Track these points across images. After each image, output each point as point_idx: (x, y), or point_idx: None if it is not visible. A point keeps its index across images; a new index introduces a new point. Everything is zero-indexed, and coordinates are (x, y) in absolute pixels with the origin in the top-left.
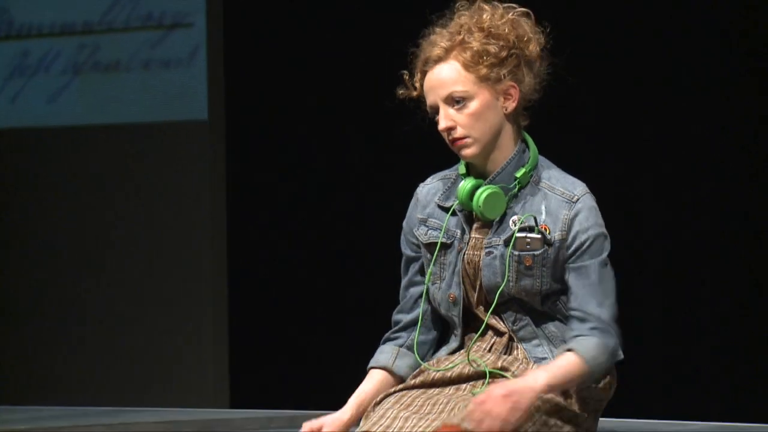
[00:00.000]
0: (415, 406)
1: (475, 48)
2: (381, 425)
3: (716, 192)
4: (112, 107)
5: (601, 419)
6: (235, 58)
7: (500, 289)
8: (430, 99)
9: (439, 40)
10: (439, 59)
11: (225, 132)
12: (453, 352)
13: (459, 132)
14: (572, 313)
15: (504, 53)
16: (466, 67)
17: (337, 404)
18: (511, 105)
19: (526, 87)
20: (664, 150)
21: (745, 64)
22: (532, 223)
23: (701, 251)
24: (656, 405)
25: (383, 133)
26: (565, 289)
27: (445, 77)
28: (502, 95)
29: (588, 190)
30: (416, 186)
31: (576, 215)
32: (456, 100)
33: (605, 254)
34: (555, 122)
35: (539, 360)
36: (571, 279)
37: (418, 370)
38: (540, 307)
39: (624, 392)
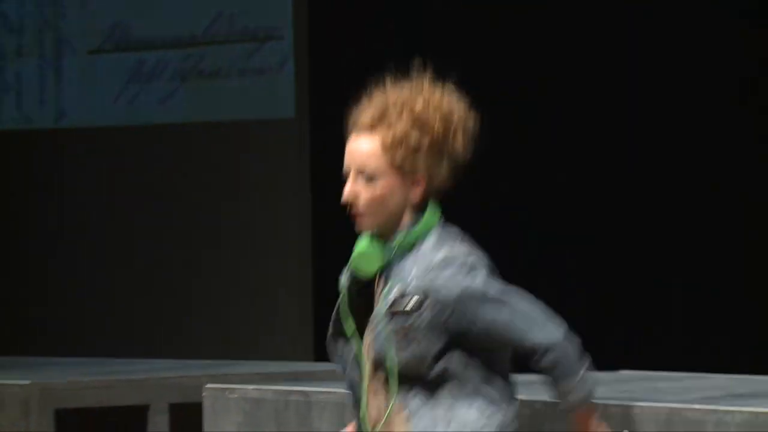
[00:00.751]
0: None
1: (398, 132)
2: None
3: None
4: (213, 108)
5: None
6: (318, 65)
7: (385, 364)
8: (346, 161)
9: (372, 107)
10: (364, 129)
11: (309, 128)
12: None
13: (359, 206)
14: (531, 359)
15: (425, 143)
16: (384, 147)
17: None
18: (417, 193)
19: (438, 178)
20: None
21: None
22: (402, 291)
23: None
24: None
25: None
26: (458, 351)
27: (363, 149)
28: (411, 183)
29: (450, 252)
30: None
31: (435, 281)
32: (366, 175)
33: (486, 291)
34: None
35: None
36: (491, 339)
37: None
38: (431, 375)
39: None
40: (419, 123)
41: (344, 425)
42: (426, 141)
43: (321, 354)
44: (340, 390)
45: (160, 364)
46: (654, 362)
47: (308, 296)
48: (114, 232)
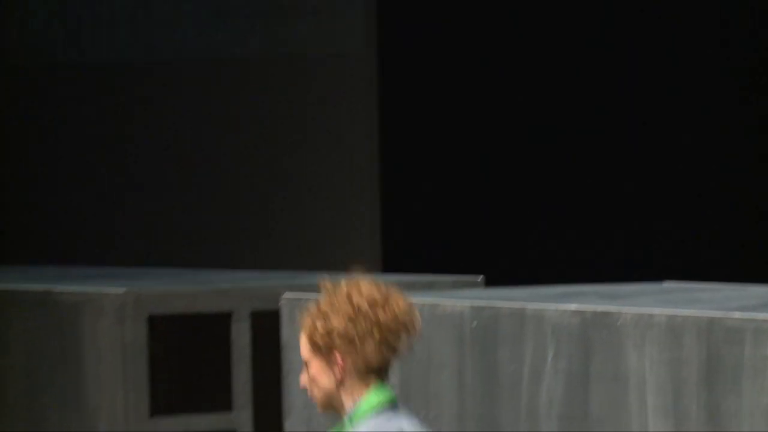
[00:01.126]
0: None
1: (312, 322)
2: None
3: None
4: (290, 44)
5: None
6: (386, 3)
7: None
8: None
9: (312, 306)
10: (303, 325)
11: (377, 62)
12: None
13: (308, 390)
14: None
15: (334, 330)
16: (306, 336)
17: (470, 270)
18: (339, 373)
19: (355, 358)
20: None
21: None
22: None
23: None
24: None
25: (513, 61)
26: None
27: (300, 340)
28: (334, 364)
29: None
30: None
31: None
32: (304, 363)
33: None
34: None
35: None
36: None
37: None
38: None
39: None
40: (320, 315)
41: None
42: (329, 329)
43: (388, 266)
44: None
45: (243, 274)
46: (695, 274)
47: (377, 213)
48: (200, 154)
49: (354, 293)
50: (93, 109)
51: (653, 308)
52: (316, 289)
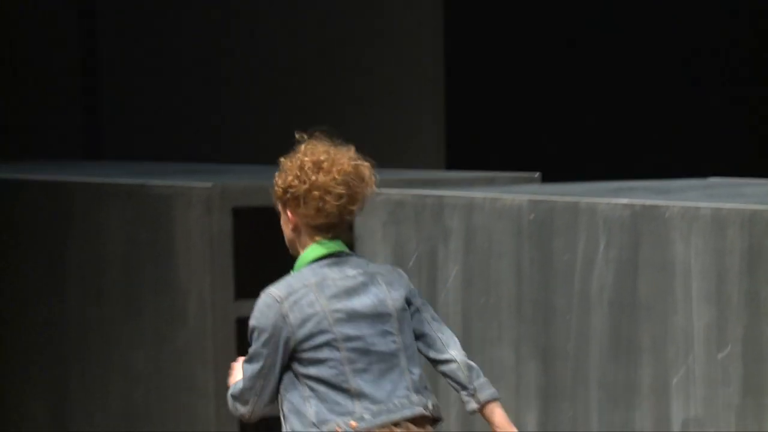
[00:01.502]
0: None
1: (275, 178)
2: None
3: None
4: None
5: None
6: None
7: None
8: None
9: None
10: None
11: None
12: None
13: None
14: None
15: (285, 187)
16: (274, 191)
17: (528, 167)
18: (290, 225)
19: (301, 215)
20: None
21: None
22: None
23: None
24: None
25: None
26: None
27: None
28: (287, 220)
29: (265, 293)
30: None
31: None
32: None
33: (250, 347)
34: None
35: None
36: None
37: None
38: None
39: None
40: (282, 173)
41: (471, 226)
42: (285, 185)
43: (451, 164)
44: (468, 193)
45: None
46: (738, 170)
47: (441, 113)
48: (283, 56)
49: (304, 154)
50: (188, 9)
51: (699, 202)
52: (385, 184)
